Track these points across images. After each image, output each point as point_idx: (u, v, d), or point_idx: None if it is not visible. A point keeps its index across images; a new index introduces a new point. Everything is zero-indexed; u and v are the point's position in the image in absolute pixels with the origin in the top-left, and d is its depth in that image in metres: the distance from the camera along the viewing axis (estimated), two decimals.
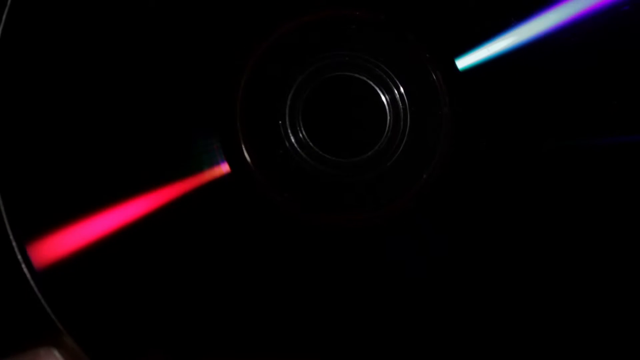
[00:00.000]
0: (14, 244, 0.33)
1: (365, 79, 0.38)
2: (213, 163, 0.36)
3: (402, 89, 0.38)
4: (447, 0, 0.38)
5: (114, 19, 0.36)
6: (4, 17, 0.33)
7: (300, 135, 0.38)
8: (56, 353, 0.32)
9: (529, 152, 0.37)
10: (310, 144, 0.37)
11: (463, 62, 0.37)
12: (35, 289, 0.32)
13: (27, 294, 0.32)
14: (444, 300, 0.36)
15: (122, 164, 0.35)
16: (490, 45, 0.37)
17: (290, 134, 0.38)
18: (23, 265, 0.33)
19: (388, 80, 0.38)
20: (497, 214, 0.36)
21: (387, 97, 0.38)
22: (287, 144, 0.37)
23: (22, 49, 0.33)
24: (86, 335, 0.32)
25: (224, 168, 0.37)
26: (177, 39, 0.37)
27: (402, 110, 0.38)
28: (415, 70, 0.38)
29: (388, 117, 0.38)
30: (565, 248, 0.36)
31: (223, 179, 0.37)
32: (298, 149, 0.37)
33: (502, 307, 0.36)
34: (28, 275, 0.32)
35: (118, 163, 0.35)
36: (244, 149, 0.37)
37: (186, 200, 0.36)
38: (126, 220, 0.34)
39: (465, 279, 0.36)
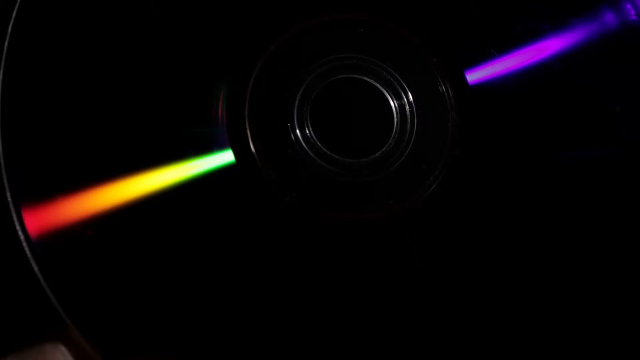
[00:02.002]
0: (21, 237, 0.32)
1: (372, 81, 0.39)
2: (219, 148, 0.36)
3: (409, 93, 0.39)
4: (457, 9, 0.38)
5: (122, 19, 0.36)
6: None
7: (308, 135, 0.38)
8: (63, 348, 0.32)
9: (532, 160, 0.37)
10: (319, 144, 0.38)
11: (473, 77, 0.38)
12: (43, 282, 0.32)
13: (34, 289, 0.32)
14: (448, 300, 0.36)
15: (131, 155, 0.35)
16: (500, 61, 0.37)
17: (299, 134, 0.38)
18: (32, 261, 0.32)
19: (395, 83, 0.39)
20: (500, 217, 0.37)
21: (394, 100, 0.39)
22: (296, 144, 0.38)
23: (32, 23, 0.33)
24: (94, 330, 0.32)
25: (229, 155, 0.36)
26: (187, 39, 0.37)
27: (409, 112, 0.38)
28: (422, 75, 0.39)
29: (395, 120, 0.38)
30: (563, 247, 0.36)
31: (232, 178, 0.37)
32: (306, 149, 0.38)
33: (503, 307, 0.36)
34: (36, 269, 0.32)
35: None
36: (252, 148, 0.37)
37: (195, 197, 0.36)
38: (133, 197, 0.34)
39: (468, 279, 0.36)
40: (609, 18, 0.36)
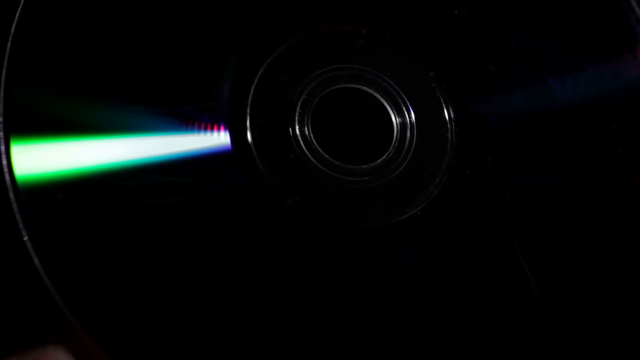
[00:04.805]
0: (25, 238, 0.31)
1: (372, 91, 0.39)
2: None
3: (408, 103, 0.39)
4: (456, 23, 0.40)
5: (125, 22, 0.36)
6: None
7: (310, 140, 0.38)
8: (65, 350, 0.31)
9: (532, 175, 0.39)
10: (320, 149, 0.38)
11: (474, 100, 0.39)
12: (46, 280, 0.31)
13: (37, 288, 0.31)
14: (447, 307, 0.37)
15: None
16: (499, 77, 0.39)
17: (300, 139, 0.38)
18: (34, 257, 0.31)
19: (394, 93, 0.40)
20: (501, 225, 0.38)
21: (393, 109, 0.39)
22: (297, 149, 0.38)
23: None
24: (99, 329, 0.31)
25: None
26: (191, 43, 0.37)
27: (408, 122, 0.39)
28: (421, 87, 0.40)
29: (395, 129, 0.39)
30: (561, 250, 0.37)
31: (234, 182, 0.36)
32: (308, 154, 0.38)
33: (505, 314, 0.37)
34: (39, 267, 0.31)
35: None
36: (254, 152, 0.37)
37: (197, 201, 0.35)
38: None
39: (469, 285, 0.37)
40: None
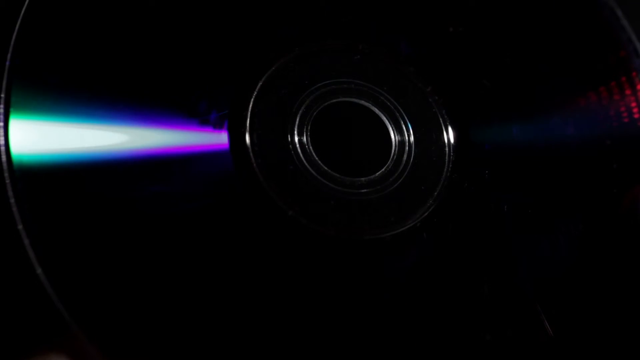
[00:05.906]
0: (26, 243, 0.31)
1: (370, 105, 0.40)
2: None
3: (405, 116, 0.40)
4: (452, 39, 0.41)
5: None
6: None
7: (309, 152, 0.38)
8: (67, 357, 0.30)
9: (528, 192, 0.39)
10: (319, 162, 0.38)
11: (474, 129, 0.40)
12: (48, 286, 0.30)
13: (40, 296, 0.30)
14: (446, 319, 0.37)
15: None
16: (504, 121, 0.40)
17: (300, 152, 0.38)
18: (35, 264, 0.31)
19: (392, 107, 0.40)
20: (500, 237, 0.38)
21: (391, 122, 0.40)
22: (297, 161, 0.38)
23: None
24: (103, 337, 0.30)
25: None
26: (189, 56, 0.38)
27: (407, 135, 0.40)
28: (417, 101, 0.40)
29: (393, 142, 0.39)
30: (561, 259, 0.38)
31: (235, 193, 0.37)
32: (307, 165, 0.38)
33: (503, 325, 0.37)
34: (41, 275, 0.31)
35: None
36: (254, 165, 0.37)
37: (198, 211, 0.35)
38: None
39: (468, 295, 0.37)
40: None
